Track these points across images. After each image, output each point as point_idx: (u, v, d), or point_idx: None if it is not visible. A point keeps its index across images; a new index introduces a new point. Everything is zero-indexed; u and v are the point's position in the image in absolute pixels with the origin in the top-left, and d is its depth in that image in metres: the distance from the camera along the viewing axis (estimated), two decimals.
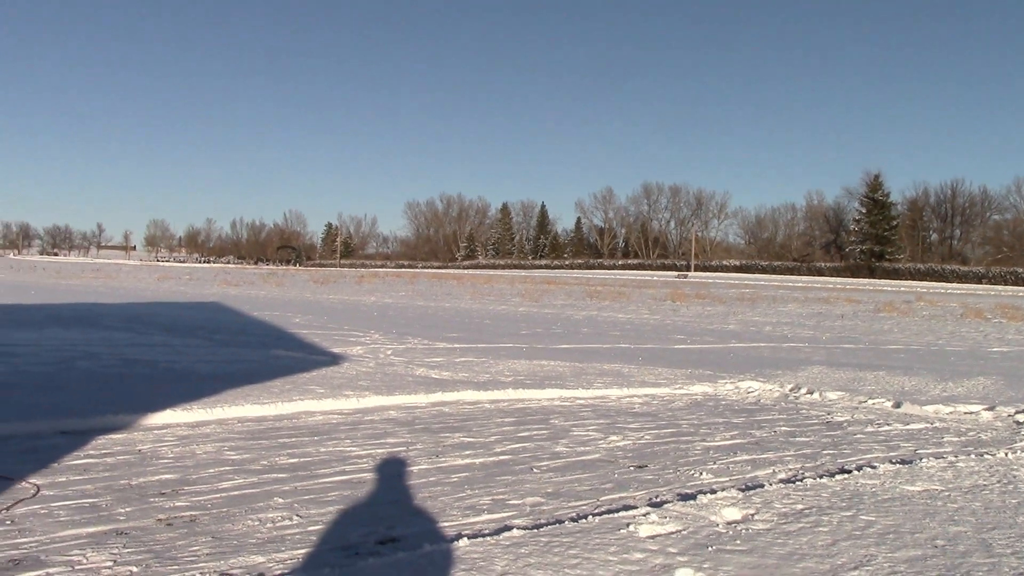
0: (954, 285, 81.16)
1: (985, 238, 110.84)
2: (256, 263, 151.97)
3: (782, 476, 6.10)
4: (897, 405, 9.59)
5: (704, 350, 15.97)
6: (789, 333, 20.93)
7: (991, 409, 9.37)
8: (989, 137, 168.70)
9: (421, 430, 7.51)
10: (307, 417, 8.00)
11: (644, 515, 4.68)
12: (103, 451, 6.28)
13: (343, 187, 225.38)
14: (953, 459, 6.61)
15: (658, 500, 5.27)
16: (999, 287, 77.72)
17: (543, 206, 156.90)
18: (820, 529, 4.54)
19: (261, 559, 4.03)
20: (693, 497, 5.22)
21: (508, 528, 4.50)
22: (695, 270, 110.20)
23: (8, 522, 4.48)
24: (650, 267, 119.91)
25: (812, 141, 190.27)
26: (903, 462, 6.50)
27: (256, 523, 4.61)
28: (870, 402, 9.80)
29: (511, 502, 5.20)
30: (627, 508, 4.98)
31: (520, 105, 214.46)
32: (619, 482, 5.81)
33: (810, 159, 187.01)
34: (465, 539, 4.23)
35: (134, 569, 3.86)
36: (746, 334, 20.36)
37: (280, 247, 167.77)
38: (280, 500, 5.09)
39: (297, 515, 4.78)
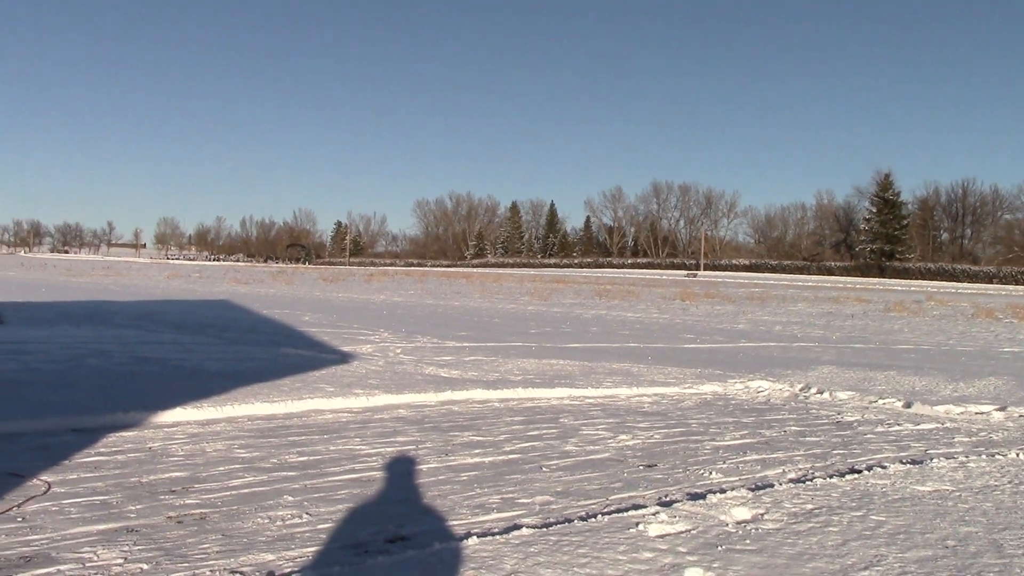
0: (965, 285, 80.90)
1: (996, 238, 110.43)
2: (266, 261, 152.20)
3: (792, 476, 6.09)
4: (908, 405, 9.56)
5: (714, 349, 15.95)
6: (799, 332, 20.88)
7: (1002, 409, 9.33)
8: (1000, 136, 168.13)
9: (430, 429, 7.51)
10: (317, 415, 8.01)
11: (654, 514, 4.67)
12: (114, 449, 6.30)
13: (353, 185, 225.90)
14: (964, 459, 6.58)
15: (668, 499, 5.27)
16: (1010, 287, 77.46)
17: (552, 205, 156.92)
18: (830, 529, 4.52)
19: (271, 557, 4.04)
20: (703, 496, 5.22)
21: (517, 527, 4.50)
22: (704, 269, 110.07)
23: (19, 519, 4.50)
24: (659, 266, 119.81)
25: (822, 140, 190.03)
26: (914, 462, 6.48)
27: (266, 521, 4.62)
28: (880, 402, 9.77)
29: (520, 501, 5.20)
30: (637, 507, 4.98)
31: (530, 104, 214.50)
32: (629, 481, 5.81)
33: (820, 158, 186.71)
34: (474, 538, 4.23)
35: (144, 566, 3.87)
36: (756, 333, 20.32)
37: (290, 245, 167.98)
38: (290, 498, 5.10)
39: (307, 513, 4.79)
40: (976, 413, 9.24)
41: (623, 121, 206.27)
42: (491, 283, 51.51)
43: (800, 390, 10.62)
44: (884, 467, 6.22)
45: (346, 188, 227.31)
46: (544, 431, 7.56)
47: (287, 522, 4.61)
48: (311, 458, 6.21)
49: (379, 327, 18.47)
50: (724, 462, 6.50)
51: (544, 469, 6.09)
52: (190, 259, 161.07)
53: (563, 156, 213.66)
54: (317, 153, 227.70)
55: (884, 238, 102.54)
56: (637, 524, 4.49)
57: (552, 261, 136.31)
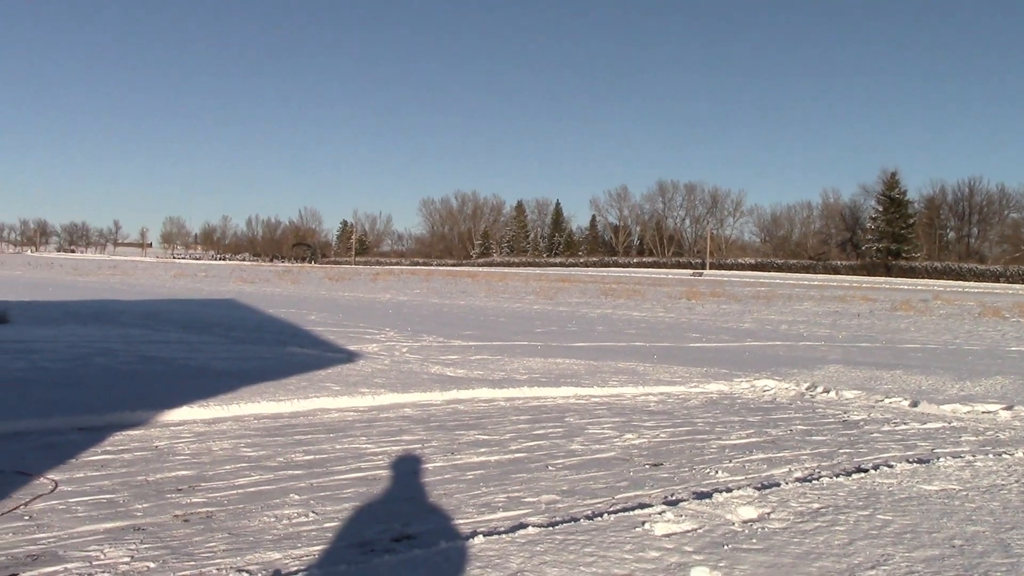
0: (971, 284, 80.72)
1: (1003, 236, 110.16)
2: (271, 260, 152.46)
3: (798, 475, 6.08)
4: (914, 404, 9.54)
5: (719, 348, 15.93)
6: (805, 331, 20.85)
7: (1009, 408, 9.30)
8: (1007, 135, 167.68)
9: (436, 428, 7.52)
10: (323, 414, 8.02)
11: (660, 513, 4.67)
12: (120, 447, 6.31)
13: (358, 185, 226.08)
14: (971, 458, 6.57)
15: (673, 498, 5.26)
16: (1017, 286, 77.25)
17: (558, 204, 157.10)
18: (837, 528, 4.51)
19: (277, 555, 4.04)
20: (709, 495, 5.21)
21: (523, 526, 4.50)
22: (710, 268, 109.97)
23: (26, 517, 4.51)
24: (665, 265, 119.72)
25: (828, 139, 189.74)
26: (920, 461, 6.46)
27: (272, 520, 4.62)
28: (887, 401, 9.75)
29: (526, 500, 5.19)
30: (642, 506, 4.97)
31: (535, 103, 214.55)
32: (634, 480, 5.80)
33: (826, 157, 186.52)
34: (480, 536, 4.23)
35: (151, 565, 3.87)
36: (762, 332, 20.30)
37: (295, 244, 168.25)
38: (296, 497, 5.11)
39: (313, 512, 4.79)
40: (983, 412, 9.21)
41: (629, 120, 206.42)
42: (496, 282, 51.50)
43: (806, 389, 10.60)
44: (891, 466, 6.20)
45: (352, 187, 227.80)
46: (550, 430, 7.56)
47: (293, 521, 4.62)
48: (317, 457, 6.21)
49: (385, 326, 18.48)
50: (730, 461, 6.49)
51: (550, 468, 6.09)
52: (196, 258, 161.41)
53: (569, 155, 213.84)
54: (323, 152, 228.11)
55: (890, 237, 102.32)
56: (643, 523, 4.48)
57: (557, 260, 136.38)
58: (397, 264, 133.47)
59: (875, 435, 7.80)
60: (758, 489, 5.37)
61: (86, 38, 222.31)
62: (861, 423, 8.43)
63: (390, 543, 4.30)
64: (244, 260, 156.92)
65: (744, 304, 33.03)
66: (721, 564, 3.90)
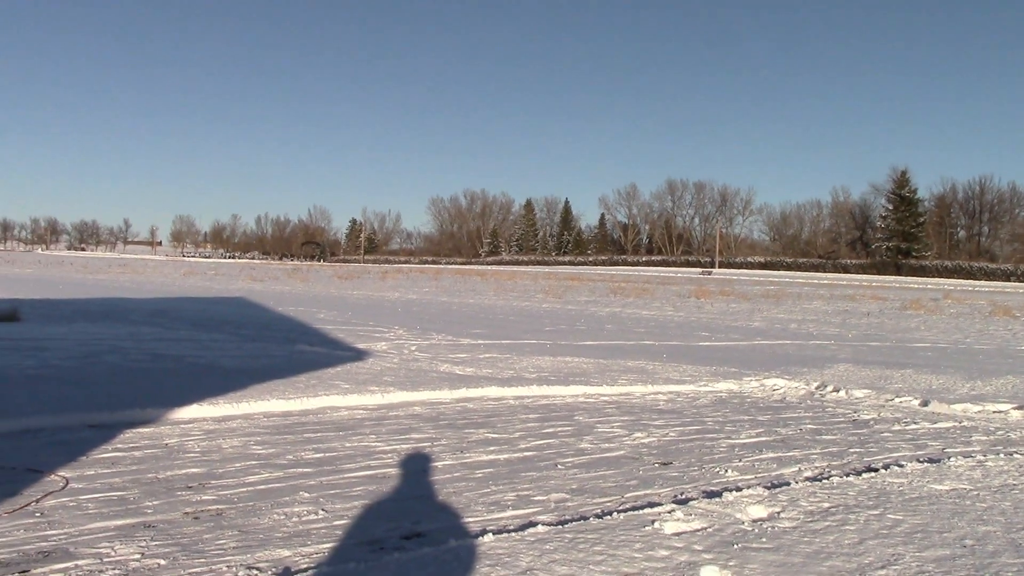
0: (982, 282, 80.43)
1: (1014, 235, 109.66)
2: (281, 259, 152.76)
3: (808, 474, 6.06)
4: (924, 403, 9.50)
5: (729, 347, 15.90)
6: (815, 330, 20.79)
7: (1020, 408, 9.26)
8: (1018, 133, 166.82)
9: (445, 426, 7.52)
10: (332, 412, 8.03)
11: (669, 512, 4.67)
12: (131, 445, 6.33)
13: (367, 183, 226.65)
14: (982, 458, 6.54)
15: (683, 497, 5.25)
16: None
17: (567, 202, 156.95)
18: (847, 528, 4.50)
19: (287, 553, 4.05)
20: (718, 494, 5.20)
21: (533, 524, 4.50)
22: (719, 267, 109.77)
23: (38, 514, 4.53)
24: (674, 264, 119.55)
25: (838, 137, 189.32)
26: (931, 461, 6.44)
27: (282, 517, 4.63)
28: (897, 400, 9.72)
29: (536, 498, 5.19)
30: (652, 505, 4.97)
31: (544, 101, 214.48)
32: (644, 479, 5.79)
33: (836, 155, 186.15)
34: (490, 535, 4.23)
35: (162, 562, 3.89)
36: (771, 331, 20.25)
37: (305, 243, 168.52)
38: (306, 495, 5.12)
39: (323, 509, 4.80)
40: (994, 412, 9.18)
41: (638, 118, 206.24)
42: (505, 281, 51.52)
43: (816, 388, 10.57)
44: (901, 466, 6.18)
45: (361, 186, 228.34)
46: (559, 428, 7.56)
47: (303, 518, 4.62)
48: (327, 455, 6.22)
49: (394, 324, 18.50)
50: (740, 460, 6.48)
51: (559, 466, 6.09)
52: (206, 257, 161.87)
53: (578, 154, 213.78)
54: (332, 151, 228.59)
55: (900, 235, 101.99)
56: (653, 522, 4.48)
57: (566, 259, 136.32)
58: (406, 262, 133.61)
59: (885, 434, 7.78)
60: (768, 488, 5.36)
61: (96, 38, 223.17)
62: (871, 422, 8.40)
63: (400, 541, 4.30)
64: (254, 258, 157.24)
65: (753, 303, 32.97)
66: (731, 563, 3.89)
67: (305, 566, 3.88)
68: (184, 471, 5.60)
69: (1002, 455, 6.73)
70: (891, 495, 5.25)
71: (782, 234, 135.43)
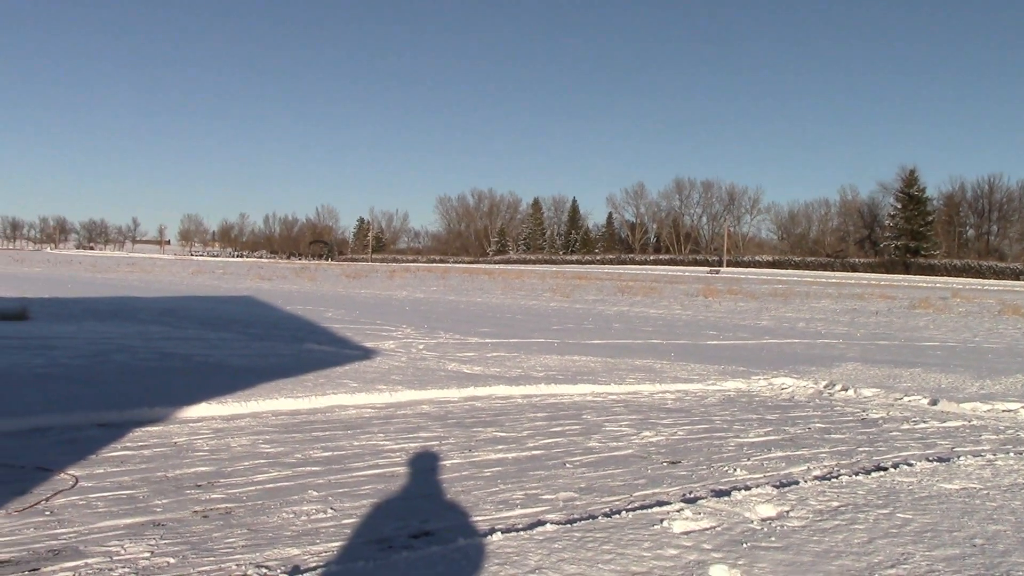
0: (991, 281, 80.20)
1: (1023, 234, 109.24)
2: (288, 258, 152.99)
3: (817, 473, 6.05)
4: (933, 402, 9.47)
5: (737, 346, 15.87)
6: (823, 329, 20.75)
7: None
8: None
9: (453, 424, 7.52)
10: (340, 411, 8.04)
11: (678, 511, 4.66)
12: (140, 443, 6.34)
13: (375, 182, 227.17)
14: (991, 457, 6.52)
15: (692, 496, 5.24)
16: None
17: (574, 201, 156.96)
18: (856, 527, 4.49)
19: (296, 551, 4.05)
20: (727, 493, 5.19)
21: (541, 523, 4.50)
22: (727, 266, 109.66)
23: (47, 513, 4.54)
24: (682, 263, 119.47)
25: (846, 135, 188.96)
26: (940, 460, 6.42)
27: (291, 516, 4.64)
28: (906, 399, 9.69)
29: (544, 497, 5.19)
30: (660, 504, 4.96)
31: (552, 100, 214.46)
32: (652, 478, 5.79)
33: (844, 154, 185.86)
34: (498, 533, 4.23)
35: (171, 560, 3.89)
36: (779, 330, 20.21)
37: (312, 242, 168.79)
38: (314, 493, 5.12)
39: (331, 508, 4.81)
40: (1003, 411, 9.15)
41: (645, 117, 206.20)
42: (513, 279, 51.51)
43: (824, 387, 10.55)
44: (910, 465, 6.17)
45: (368, 185, 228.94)
46: (567, 427, 7.55)
47: (312, 517, 4.63)
48: (335, 453, 6.23)
49: (401, 323, 18.52)
50: (748, 459, 6.46)
51: (567, 465, 6.08)
52: (214, 255, 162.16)
53: (585, 152, 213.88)
54: (340, 150, 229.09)
55: (909, 234, 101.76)
56: (661, 521, 4.47)
57: (574, 258, 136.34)
58: (414, 261, 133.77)
59: (894, 433, 7.76)
60: (777, 487, 5.35)
61: (106, 37, 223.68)
62: (880, 421, 8.38)
63: (408, 540, 4.30)
64: (261, 257, 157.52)
65: (761, 302, 32.90)
66: (740, 562, 3.88)
67: (314, 564, 3.89)
68: (193, 470, 5.61)
69: (1012, 454, 6.71)
70: (900, 494, 5.23)
71: (790, 233, 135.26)
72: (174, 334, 14.19)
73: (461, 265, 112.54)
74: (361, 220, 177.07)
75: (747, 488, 5.32)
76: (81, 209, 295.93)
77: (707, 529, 4.36)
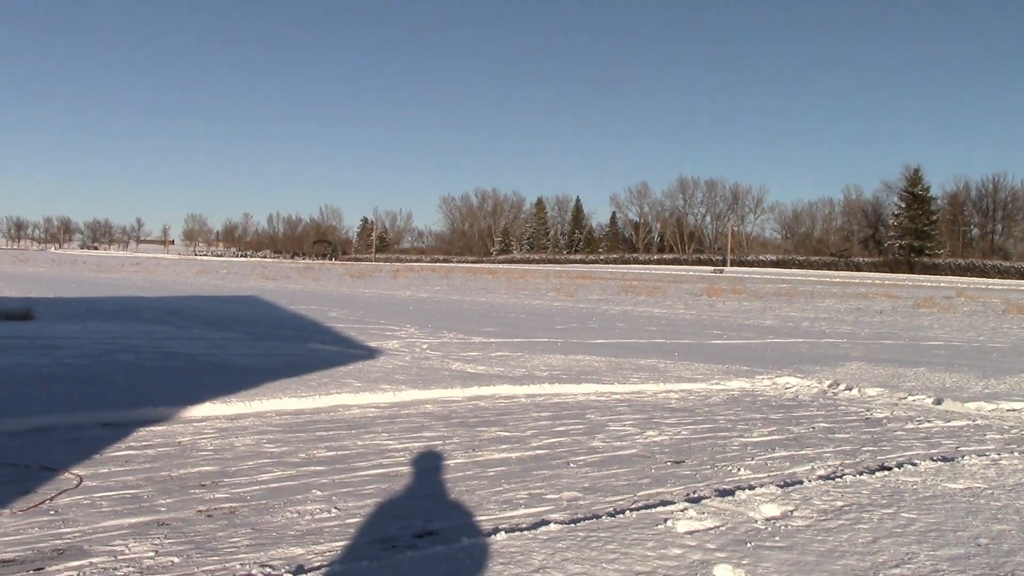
0: (995, 281, 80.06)
1: None
2: (292, 257, 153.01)
3: (821, 473, 6.04)
4: (938, 402, 9.46)
5: (741, 345, 15.86)
6: (827, 329, 20.72)
7: None
8: None
9: (457, 424, 7.52)
10: (344, 410, 8.04)
11: (682, 510, 4.66)
12: (144, 443, 6.35)
13: (379, 182, 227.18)
14: (996, 457, 6.51)
15: (696, 496, 5.24)
16: None
17: (578, 200, 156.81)
18: (860, 526, 4.48)
19: (300, 551, 4.06)
20: (731, 493, 5.19)
21: (545, 522, 4.49)
22: (731, 265, 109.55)
23: (52, 512, 4.55)
24: (685, 262, 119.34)
25: (850, 135, 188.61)
26: (945, 459, 6.41)
27: (295, 515, 4.64)
28: (910, 399, 9.68)
29: (548, 496, 5.19)
30: (664, 503, 4.96)
31: (555, 99, 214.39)
32: (656, 477, 5.78)
33: (848, 153, 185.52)
34: (502, 533, 4.23)
35: (175, 560, 3.90)
36: (783, 329, 20.19)
37: (316, 241, 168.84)
38: (318, 493, 5.12)
39: (335, 508, 4.81)
40: (1008, 410, 9.13)
41: (649, 117, 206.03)
42: (517, 279, 51.49)
43: (828, 386, 10.54)
44: (915, 464, 6.16)
45: (372, 185, 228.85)
46: (571, 427, 7.55)
47: (316, 516, 4.63)
48: (339, 453, 6.23)
49: (405, 323, 18.52)
50: (752, 459, 6.46)
51: (571, 465, 6.08)
52: (218, 255, 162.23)
53: (589, 152, 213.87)
54: (343, 150, 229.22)
55: (913, 234, 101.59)
56: (665, 520, 4.47)
57: (578, 257, 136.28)
58: (417, 261, 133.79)
59: (898, 433, 7.75)
60: (781, 487, 5.35)
61: (110, 37, 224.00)
62: (884, 421, 8.37)
63: (412, 539, 4.30)
64: (265, 257, 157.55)
65: (765, 301, 32.87)
66: (744, 562, 3.88)
67: (318, 564, 3.89)
68: (197, 469, 5.62)
69: (1016, 453, 6.70)
70: (905, 494, 5.23)
71: (794, 232, 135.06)
72: (178, 334, 14.21)
73: (465, 265, 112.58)
74: (365, 220, 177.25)
75: (751, 488, 5.32)
76: (85, 209, 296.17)
77: (711, 529, 4.36)
